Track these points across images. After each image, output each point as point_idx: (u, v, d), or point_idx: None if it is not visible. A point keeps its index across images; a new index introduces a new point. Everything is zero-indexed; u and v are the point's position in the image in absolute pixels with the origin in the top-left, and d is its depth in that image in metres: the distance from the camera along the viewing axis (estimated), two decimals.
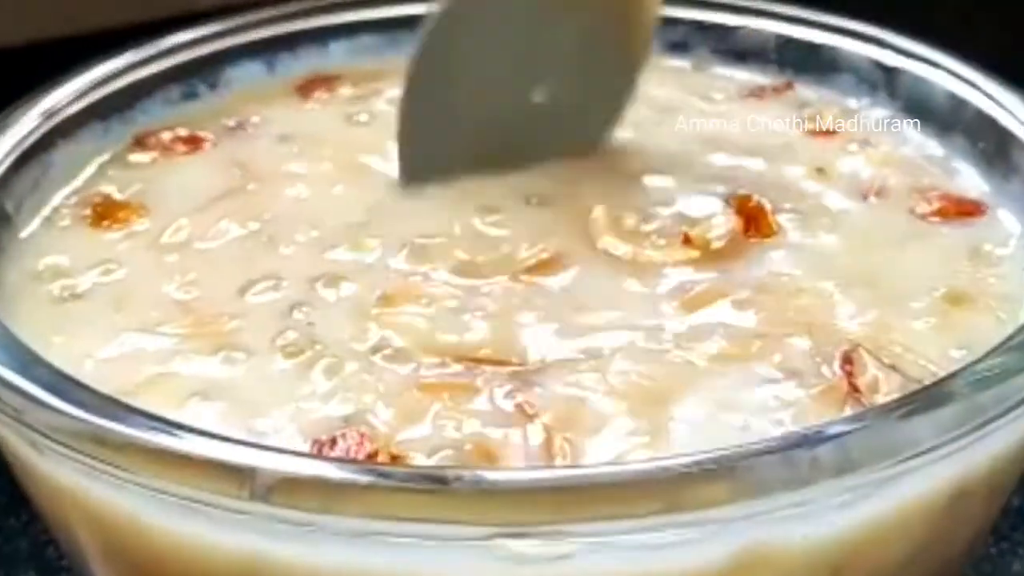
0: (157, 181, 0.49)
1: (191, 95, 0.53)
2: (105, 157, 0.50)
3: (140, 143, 0.51)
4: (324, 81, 0.54)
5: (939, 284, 0.43)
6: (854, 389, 0.38)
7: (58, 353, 0.39)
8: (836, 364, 0.39)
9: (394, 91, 0.49)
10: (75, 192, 0.48)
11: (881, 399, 0.37)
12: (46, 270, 0.45)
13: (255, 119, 0.52)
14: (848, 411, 0.37)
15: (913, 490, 0.35)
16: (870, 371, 0.39)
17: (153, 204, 0.47)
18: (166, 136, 0.51)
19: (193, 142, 0.51)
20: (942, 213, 0.47)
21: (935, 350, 0.40)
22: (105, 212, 0.47)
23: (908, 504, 0.35)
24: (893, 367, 0.39)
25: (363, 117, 0.52)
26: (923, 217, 0.47)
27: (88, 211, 0.47)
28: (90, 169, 0.50)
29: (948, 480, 0.36)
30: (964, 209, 0.47)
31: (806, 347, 0.40)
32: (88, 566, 0.40)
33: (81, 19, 0.62)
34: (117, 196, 0.48)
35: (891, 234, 0.46)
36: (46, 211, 0.47)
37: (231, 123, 0.52)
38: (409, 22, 0.55)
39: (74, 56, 0.51)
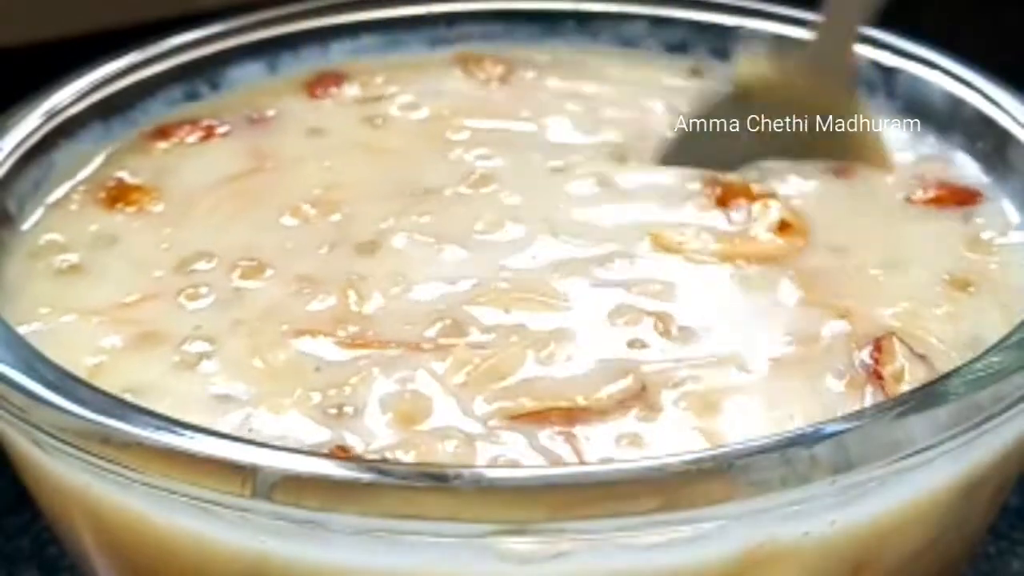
0: (173, 167, 0.50)
1: (193, 95, 0.53)
2: (114, 148, 0.51)
3: (160, 133, 0.51)
4: (333, 77, 0.55)
5: (945, 270, 0.43)
6: (878, 377, 0.38)
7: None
8: (867, 351, 0.39)
9: (405, 97, 0.52)
10: (84, 181, 0.49)
11: (905, 389, 0.38)
12: (47, 245, 0.45)
13: (271, 112, 0.53)
14: (870, 399, 0.38)
15: (913, 488, 0.35)
16: (899, 360, 0.39)
17: (167, 187, 0.48)
18: (185, 127, 0.52)
19: (209, 132, 0.52)
20: (939, 201, 0.47)
21: (959, 339, 0.40)
22: (119, 195, 0.48)
23: (908, 503, 0.35)
24: (924, 357, 0.39)
25: (379, 121, 0.53)
26: (919, 203, 0.47)
27: (103, 194, 0.48)
28: (99, 159, 0.50)
29: (948, 478, 0.36)
30: (960, 197, 0.47)
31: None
32: (91, 564, 0.40)
33: (83, 19, 0.62)
34: (130, 180, 0.49)
35: (889, 217, 0.46)
36: (52, 199, 0.48)
37: (253, 115, 0.53)
38: (410, 22, 0.55)
39: (76, 56, 0.51)
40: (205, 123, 0.52)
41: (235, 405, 0.38)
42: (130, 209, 0.48)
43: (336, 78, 0.54)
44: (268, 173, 0.49)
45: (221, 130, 0.52)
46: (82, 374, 0.38)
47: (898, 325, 0.41)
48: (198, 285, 0.43)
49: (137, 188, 0.49)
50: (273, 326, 0.41)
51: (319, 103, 0.53)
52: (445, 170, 0.49)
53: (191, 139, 0.51)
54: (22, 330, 0.41)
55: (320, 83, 0.54)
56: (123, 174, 0.49)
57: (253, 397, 0.39)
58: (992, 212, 0.47)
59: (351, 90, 0.54)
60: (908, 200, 0.47)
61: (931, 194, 0.47)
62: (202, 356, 0.40)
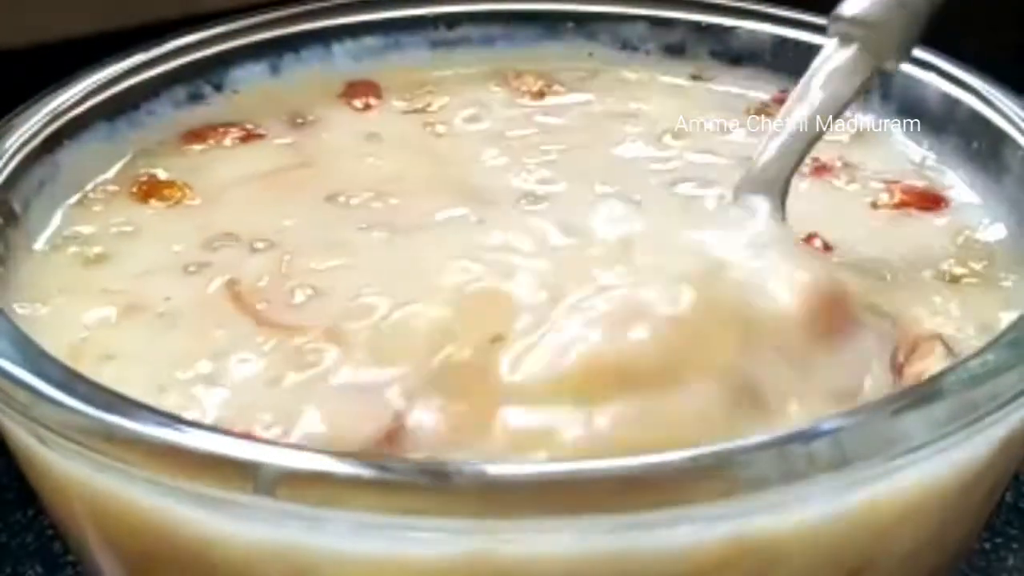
0: (207, 166, 0.50)
1: (197, 96, 0.53)
2: (141, 148, 0.51)
3: (195, 136, 0.52)
4: (365, 87, 0.55)
5: (938, 272, 0.44)
6: (899, 375, 0.39)
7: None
8: (902, 351, 0.40)
9: (468, 110, 0.53)
10: (109, 180, 0.50)
11: None
12: (72, 236, 0.46)
13: (311, 117, 0.53)
14: None
15: (909, 485, 0.35)
16: (926, 361, 0.39)
17: (201, 183, 0.49)
18: (220, 129, 0.52)
19: (248, 134, 0.52)
20: (904, 205, 0.48)
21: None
22: (151, 190, 0.49)
23: (905, 500, 0.36)
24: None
25: (440, 129, 0.53)
26: (885, 208, 0.48)
27: (135, 189, 0.49)
28: (125, 159, 0.51)
29: (943, 475, 0.36)
30: (925, 203, 0.48)
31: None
32: (94, 560, 0.40)
33: (87, 21, 0.62)
34: (163, 176, 0.50)
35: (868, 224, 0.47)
36: (71, 199, 0.48)
37: (296, 120, 0.53)
38: (411, 24, 0.56)
39: (80, 58, 0.51)
40: (243, 126, 0.52)
41: (183, 381, 0.39)
42: (161, 204, 0.48)
43: (370, 88, 0.55)
44: (315, 167, 0.50)
45: (259, 132, 0.52)
46: (70, 346, 0.40)
47: (943, 329, 0.41)
48: (204, 264, 0.44)
49: (170, 184, 0.49)
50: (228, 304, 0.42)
51: (364, 114, 0.54)
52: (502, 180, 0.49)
53: (228, 141, 0.52)
54: (20, 310, 0.42)
55: (354, 94, 0.55)
56: (156, 171, 0.50)
57: (174, 367, 0.40)
58: (966, 214, 0.47)
59: (396, 102, 0.54)
60: (873, 205, 0.48)
61: (897, 199, 0.48)
62: (167, 327, 0.42)
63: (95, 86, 0.50)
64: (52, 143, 0.48)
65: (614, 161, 0.51)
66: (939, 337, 0.40)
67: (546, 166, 0.50)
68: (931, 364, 0.39)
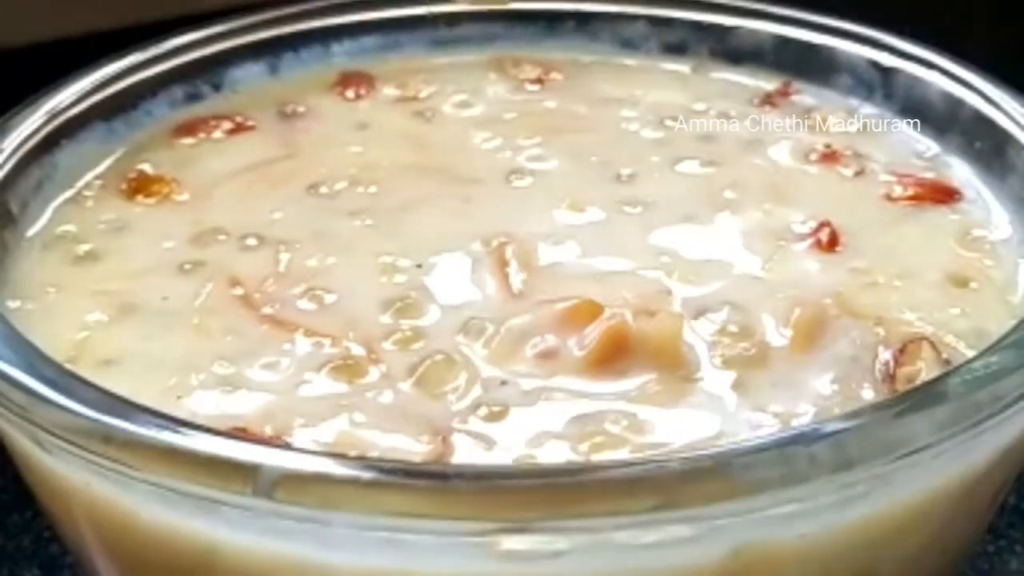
0: (197, 159, 0.50)
1: (194, 96, 0.53)
2: (133, 144, 0.51)
3: (185, 129, 0.52)
4: (359, 78, 0.55)
5: (944, 270, 0.44)
6: (892, 379, 0.39)
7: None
8: (890, 352, 0.40)
9: (460, 96, 0.53)
10: (100, 175, 0.49)
11: None
12: (62, 235, 0.46)
13: (301, 109, 0.53)
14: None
15: (912, 488, 0.35)
16: (917, 363, 0.39)
17: (190, 177, 0.49)
18: (211, 122, 0.52)
19: (238, 127, 0.52)
20: (918, 198, 0.47)
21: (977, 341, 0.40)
22: (140, 186, 0.49)
23: (907, 503, 0.35)
24: (948, 361, 0.39)
25: (428, 114, 0.53)
26: (897, 200, 0.47)
27: (124, 185, 0.49)
28: (116, 155, 0.51)
29: (946, 477, 0.36)
30: (938, 196, 0.47)
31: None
32: (91, 562, 0.40)
33: (85, 20, 0.62)
34: (152, 172, 0.50)
35: (879, 217, 0.47)
36: (64, 195, 0.48)
37: (285, 111, 0.53)
38: (409, 23, 0.55)
39: (78, 57, 0.51)
40: (234, 118, 0.52)
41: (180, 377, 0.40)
42: (150, 200, 0.48)
43: (363, 79, 0.55)
44: (301, 159, 0.50)
45: (249, 124, 0.52)
46: (69, 347, 0.40)
47: (930, 330, 0.41)
48: (198, 262, 0.44)
49: (158, 179, 0.49)
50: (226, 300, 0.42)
51: (355, 104, 0.54)
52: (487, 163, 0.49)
53: (218, 134, 0.52)
54: (13, 305, 0.42)
55: (347, 84, 0.54)
56: (144, 167, 0.50)
57: (187, 370, 0.40)
58: (974, 212, 0.47)
59: (388, 91, 0.54)
60: (888, 198, 0.48)
61: (910, 192, 0.48)
62: (168, 328, 0.41)
63: (93, 86, 0.50)
64: (50, 143, 0.48)
65: (612, 140, 0.51)
66: (928, 339, 0.40)
67: (539, 146, 0.50)
68: (921, 367, 0.39)
